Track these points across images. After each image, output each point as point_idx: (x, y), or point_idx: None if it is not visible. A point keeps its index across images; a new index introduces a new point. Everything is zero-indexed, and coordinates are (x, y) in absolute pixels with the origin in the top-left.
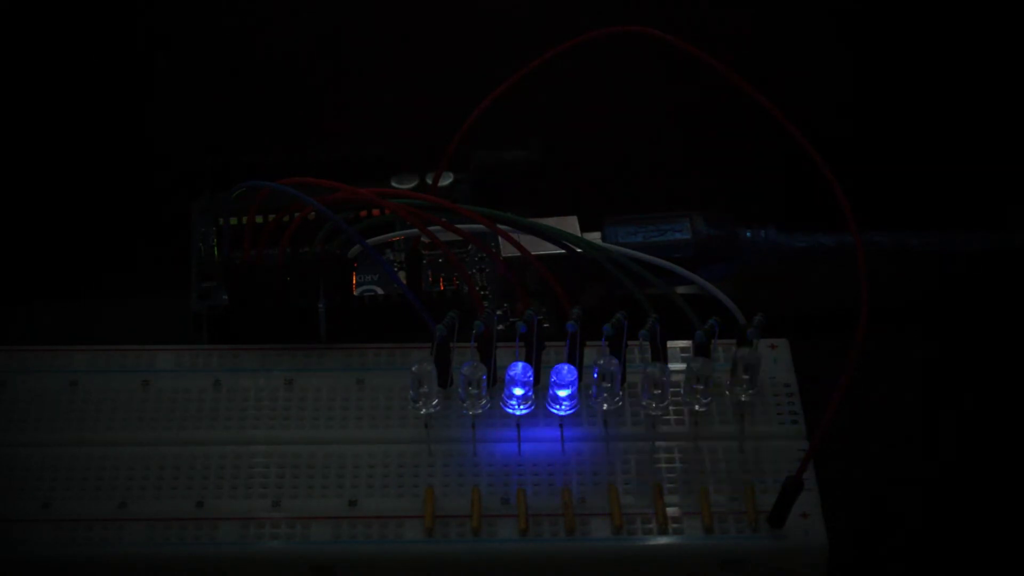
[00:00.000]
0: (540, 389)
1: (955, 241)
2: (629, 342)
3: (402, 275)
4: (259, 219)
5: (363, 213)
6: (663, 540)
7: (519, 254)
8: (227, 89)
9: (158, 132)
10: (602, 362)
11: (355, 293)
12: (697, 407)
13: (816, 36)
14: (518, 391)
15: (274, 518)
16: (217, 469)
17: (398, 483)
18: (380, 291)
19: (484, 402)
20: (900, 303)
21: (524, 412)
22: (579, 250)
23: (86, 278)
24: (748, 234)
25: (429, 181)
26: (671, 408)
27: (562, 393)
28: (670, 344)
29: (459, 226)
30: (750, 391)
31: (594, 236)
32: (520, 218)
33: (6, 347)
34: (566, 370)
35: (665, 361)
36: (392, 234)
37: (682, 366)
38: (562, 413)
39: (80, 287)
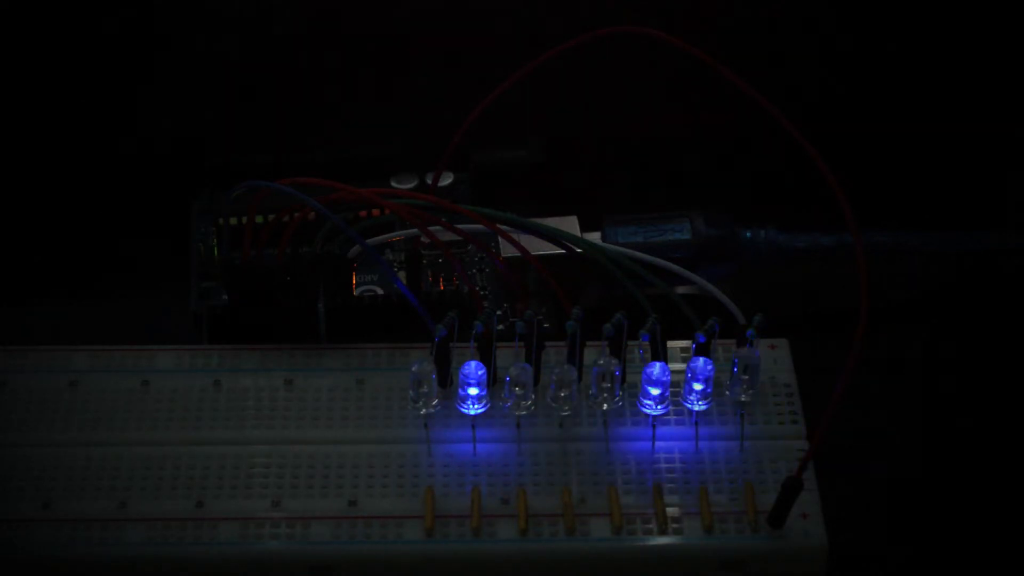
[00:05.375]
0: (540, 389)
1: (955, 241)
2: (629, 342)
3: (402, 275)
4: (259, 219)
5: (363, 213)
6: (663, 540)
7: (519, 254)
8: (227, 89)
9: (158, 132)
10: (602, 362)
11: (355, 293)
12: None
13: (817, 36)
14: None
15: (274, 518)
16: (217, 469)
17: (398, 483)
18: (380, 291)
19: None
20: (900, 303)
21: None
22: (579, 250)
23: (86, 278)
24: (748, 234)
25: (429, 181)
26: (671, 408)
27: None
28: (670, 344)
29: (459, 226)
30: (750, 391)
31: (594, 236)
32: (520, 218)
33: (6, 347)
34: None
35: (665, 361)
36: (392, 234)
37: (682, 366)
38: (563, 413)
39: (80, 287)
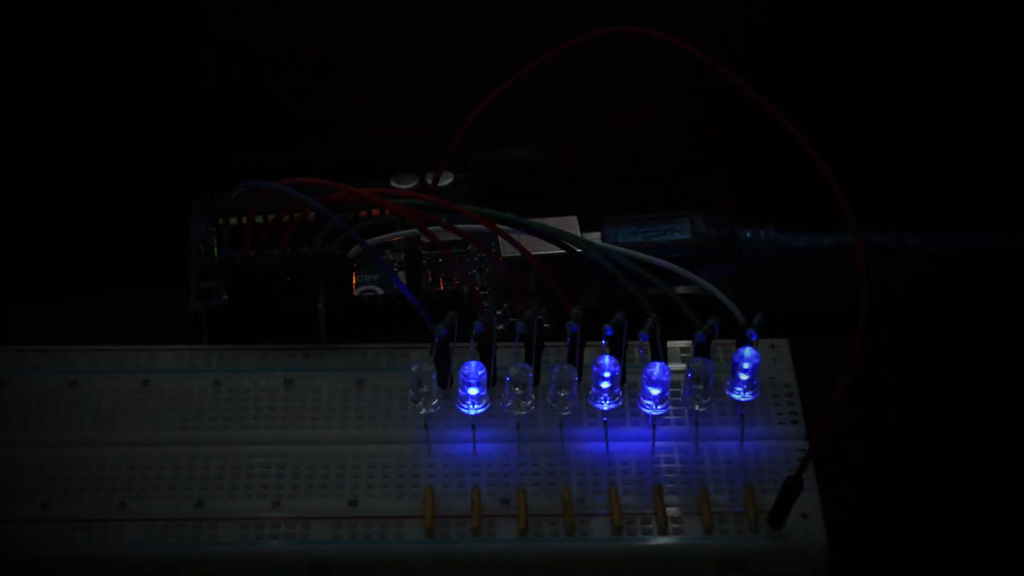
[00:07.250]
0: (540, 389)
1: (955, 241)
2: (629, 342)
3: (402, 275)
4: (259, 219)
5: (363, 213)
6: (663, 540)
7: (519, 254)
8: (227, 89)
9: (158, 132)
10: (604, 361)
11: (355, 293)
12: (698, 407)
13: (815, 36)
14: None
15: (274, 518)
16: (217, 469)
17: (398, 483)
18: (380, 291)
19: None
20: (900, 303)
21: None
22: (579, 250)
23: (86, 278)
24: (748, 234)
25: (429, 181)
26: (671, 408)
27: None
28: (670, 344)
29: (459, 226)
30: (749, 391)
31: (594, 236)
32: (520, 218)
33: (6, 347)
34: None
35: (665, 361)
36: (392, 234)
37: (682, 366)
38: (563, 413)
39: (80, 287)
